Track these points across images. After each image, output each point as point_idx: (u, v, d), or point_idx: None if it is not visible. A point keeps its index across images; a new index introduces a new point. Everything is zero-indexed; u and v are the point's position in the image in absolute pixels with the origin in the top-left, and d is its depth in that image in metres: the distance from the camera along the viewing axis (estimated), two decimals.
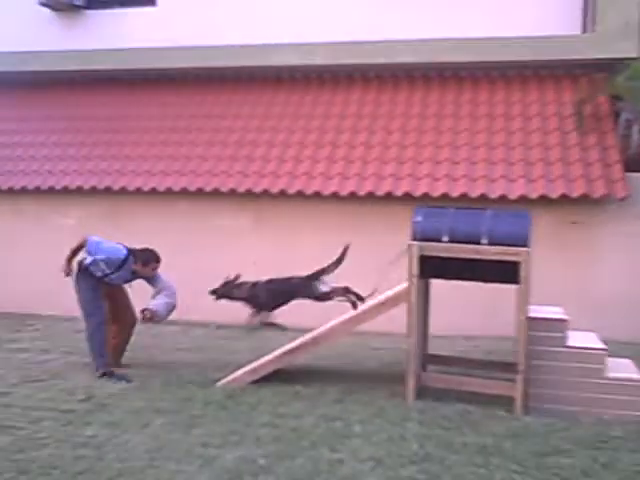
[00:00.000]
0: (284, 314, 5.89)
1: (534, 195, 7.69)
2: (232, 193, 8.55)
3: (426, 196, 7.89)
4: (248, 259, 7.98)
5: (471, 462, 4.15)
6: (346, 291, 5.60)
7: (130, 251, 6.10)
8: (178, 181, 8.77)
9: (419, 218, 5.25)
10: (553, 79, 9.22)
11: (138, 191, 8.81)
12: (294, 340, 5.77)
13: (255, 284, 5.84)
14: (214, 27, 9.89)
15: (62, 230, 8.76)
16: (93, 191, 8.97)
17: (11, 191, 9.27)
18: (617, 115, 8.54)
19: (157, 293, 6.06)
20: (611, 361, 5.12)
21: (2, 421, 4.81)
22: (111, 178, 9.01)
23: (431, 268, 5.21)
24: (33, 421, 4.81)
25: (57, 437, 4.51)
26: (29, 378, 5.89)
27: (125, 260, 6.04)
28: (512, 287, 5.12)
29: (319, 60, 9.55)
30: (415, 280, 5.18)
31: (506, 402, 5.03)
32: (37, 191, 9.18)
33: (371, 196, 8.13)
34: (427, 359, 5.90)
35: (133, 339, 6.50)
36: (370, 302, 5.56)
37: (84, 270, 6.09)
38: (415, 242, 5.17)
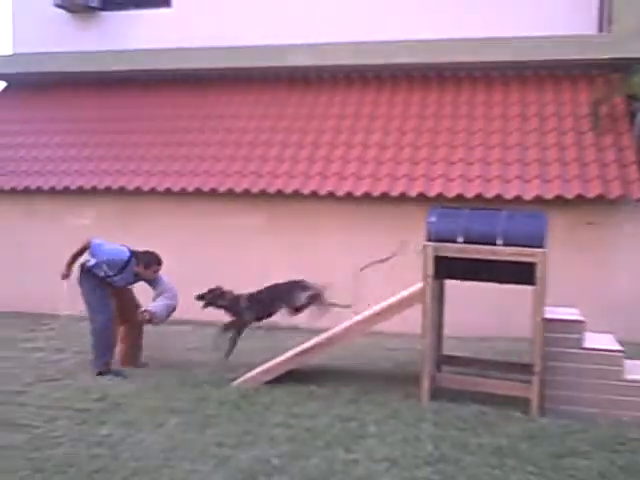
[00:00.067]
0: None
1: (549, 196, 7.64)
2: (246, 193, 8.56)
3: (440, 196, 7.87)
4: (261, 259, 7.98)
5: (486, 463, 4.11)
6: (319, 299, 5.74)
7: (132, 253, 6.09)
8: (192, 181, 8.80)
9: (434, 219, 5.22)
10: (569, 79, 9.17)
11: (152, 191, 8.85)
12: (309, 340, 5.76)
13: (238, 297, 6.01)
14: (228, 28, 9.93)
15: (77, 230, 8.78)
16: (108, 191, 9.02)
17: (26, 191, 9.33)
18: (633, 115, 8.48)
19: (158, 295, 6.07)
20: (628, 363, 5.07)
21: (18, 420, 4.83)
22: (126, 178, 9.05)
23: (446, 269, 5.18)
24: (48, 420, 4.83)
25: (72, 436, 4.52)
26: (44, 377, 5.92)
27: (127, 262, 6.04)
28: (528, 288, 5.07)
29: (334, 60, 9.56)
30: (430, 281, 5.15)
31: (522, 403, 5.00)
32: (52, 191, 9.24)
33: (385, 196, 8.11)
34: (442, 360, 5.87)
35: (146, 338, 6.51)
36: (385, 303, 5.53)
37: (87, 272, 6.08)
38: (430, 243, 5.14)
